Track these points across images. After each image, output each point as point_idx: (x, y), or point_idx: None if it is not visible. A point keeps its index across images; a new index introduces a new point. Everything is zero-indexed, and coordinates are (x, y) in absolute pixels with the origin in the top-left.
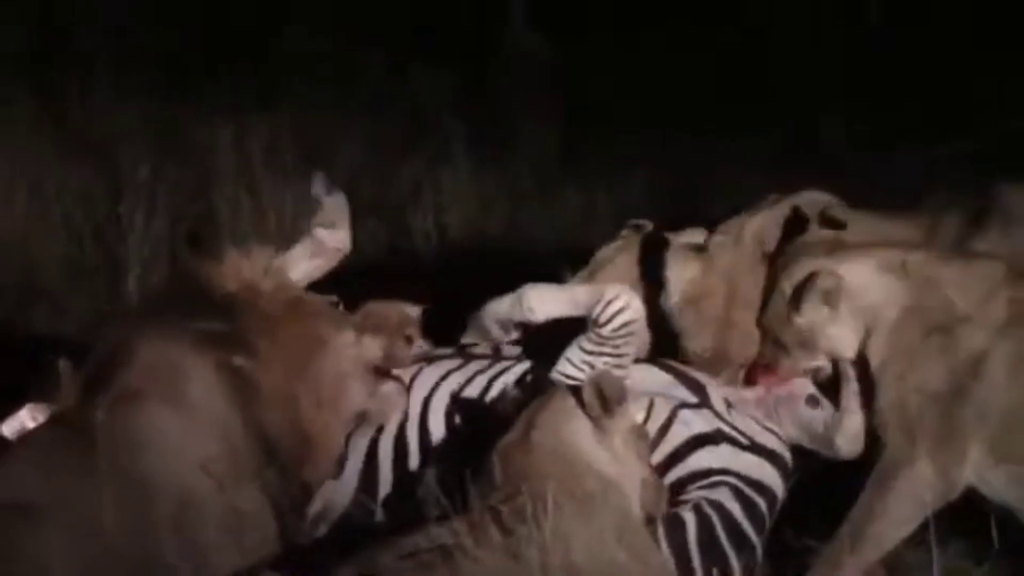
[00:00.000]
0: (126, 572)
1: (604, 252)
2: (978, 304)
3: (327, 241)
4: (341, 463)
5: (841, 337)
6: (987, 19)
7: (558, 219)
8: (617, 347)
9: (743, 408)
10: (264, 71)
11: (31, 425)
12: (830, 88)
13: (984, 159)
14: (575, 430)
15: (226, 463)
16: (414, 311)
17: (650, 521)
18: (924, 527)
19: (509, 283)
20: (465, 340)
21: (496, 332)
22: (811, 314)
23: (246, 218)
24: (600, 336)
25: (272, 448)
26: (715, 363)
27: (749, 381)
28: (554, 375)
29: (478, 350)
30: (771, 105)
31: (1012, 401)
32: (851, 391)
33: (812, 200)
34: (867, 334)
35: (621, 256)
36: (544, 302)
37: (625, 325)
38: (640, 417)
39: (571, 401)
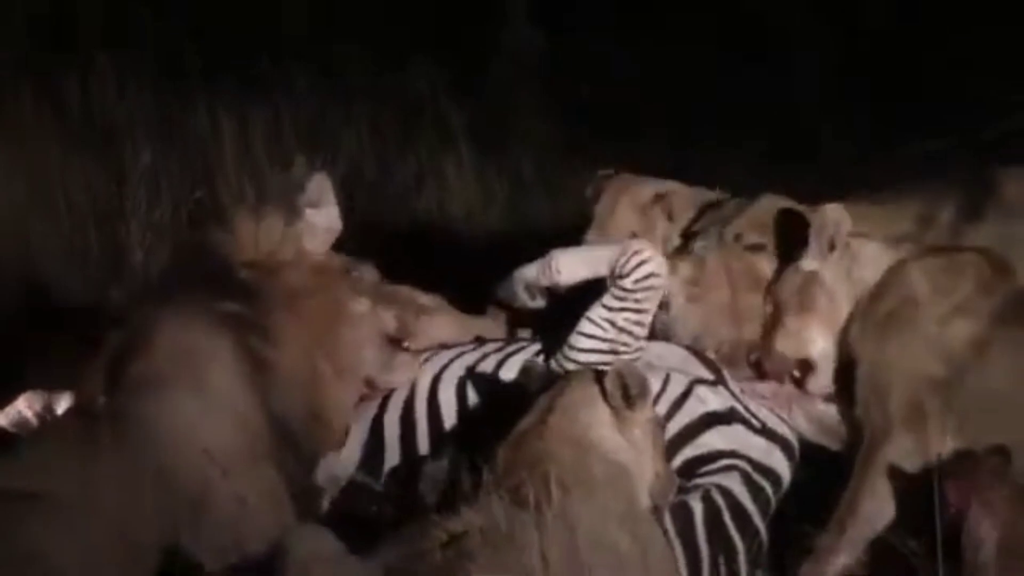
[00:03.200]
0: (148, 556)
1: (600, 209)
2: (942, 293)
3: (318, 222)
4: (344, 437)
5: (839, 299)
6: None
7: (560, 206)
8: (639, 301)
9: (758, 399)
10: (266, 59)
11: (29, 414)
12: (829, 85)
13: (984, 154)
14: (594, 418)
15: (243, 446)
16: (424, 297)
17: (656, 511)
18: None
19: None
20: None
21: (523, 297)
22: (815, 254)
23: (249, 204)
24: (622, 289)
25: (288, 429)
26: (733, 354)
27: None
28: (574, 336)
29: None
30: (770, 99)
31: (978, 387)
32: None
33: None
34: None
35: (618, 207)
36: (571, 264)
37: (648, 277)
38: (655, 389)
39: (594, 389)
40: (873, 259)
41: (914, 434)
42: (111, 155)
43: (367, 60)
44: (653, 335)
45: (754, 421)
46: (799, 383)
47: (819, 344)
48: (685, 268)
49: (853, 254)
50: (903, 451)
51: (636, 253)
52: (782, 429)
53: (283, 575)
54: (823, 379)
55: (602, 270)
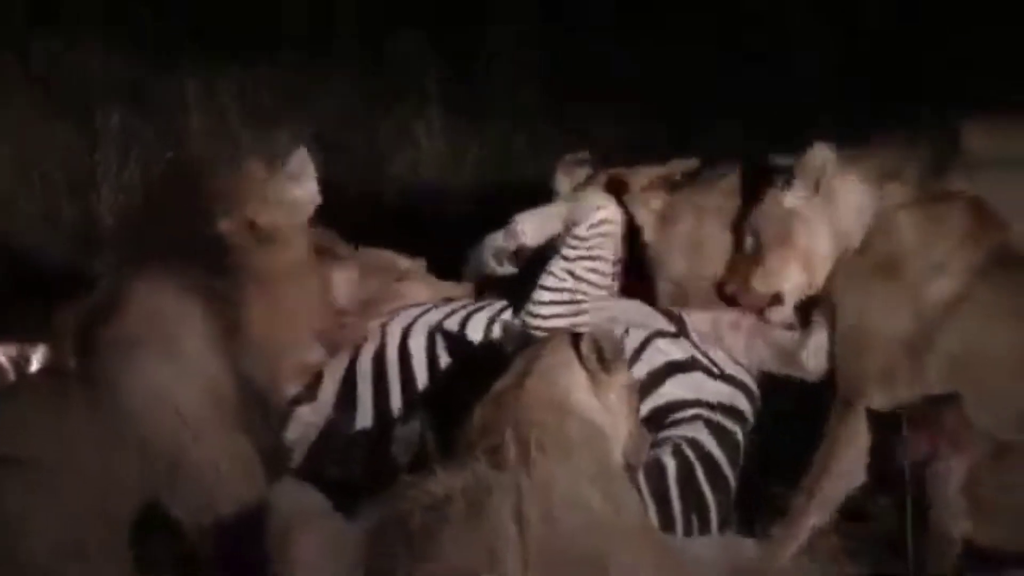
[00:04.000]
0: (121, 516)
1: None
2: (925, 248)
3: (299, 196)
4: (316, 387)
5: (819, 237)
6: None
7: (534, 172)
8: (592, 248)
9: (719, 329)
10: (241, 23)
11: (3, 360)
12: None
13: None
14: (571, 381)
15: (212, 409)
16: (404, 261)
17: (630, 470)
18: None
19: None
20: (464, 280)
21: (492, 264)
22: (793, 197)
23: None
24: (576, 237)
25: (256, 391)
26: (689, 287)
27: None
28: (536, 291)
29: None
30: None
31: (954, 345)
32: (822, 310)
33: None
34: (838, 261)
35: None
36: (534, 224)
37: (602, 223)
38: None
39: (570, 353)
40: (856, 200)
41: (887, 393)
42: (82, 119)
43: (343, 24)
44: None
45: (714, 368)
46: (761, 312)
47: (793, 280)
48: (656, 199)
49: (835, 193)
50: (879, 408)
51: (590, 203)
52: (742, 375)
53: (267, 531)
54: (787, 311)
55: (564, 224)
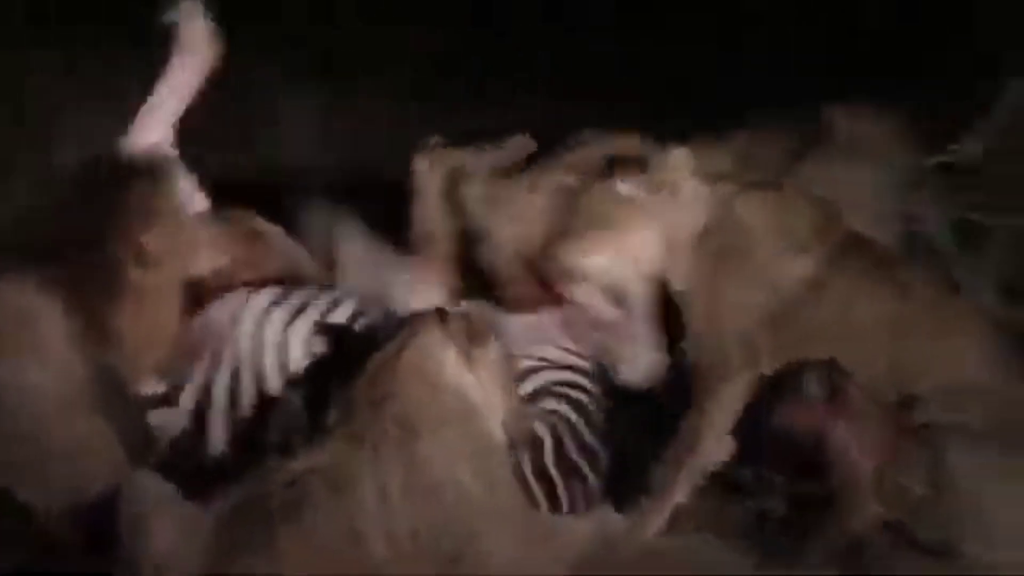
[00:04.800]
0: None
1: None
2: (776, 230)
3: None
4: (177, 394)
5: (649, 231)
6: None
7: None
8: None
9: (542, 330)
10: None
11: None
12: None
13: None
14: (443, 357)
15: (75, 395)
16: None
17: (513, 446)
18: None
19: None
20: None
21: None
22: (630, 187)
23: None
24: None
25: (118, 381)
26: (516, 260)
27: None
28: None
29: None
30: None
31: (812, 324)
32: (636, 318)
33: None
34: (667, 254)
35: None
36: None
37: None
38: None
39: (440, 332)
40: (691, 197)
41: (751, 369)
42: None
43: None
44: None
45: (553, 365)
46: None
47: (600, 262)
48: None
49: (678, 193)
50: (741, 386)
51: None
52: (580, 363)
53: (121, 520)
54: (586, 294)
55: None
